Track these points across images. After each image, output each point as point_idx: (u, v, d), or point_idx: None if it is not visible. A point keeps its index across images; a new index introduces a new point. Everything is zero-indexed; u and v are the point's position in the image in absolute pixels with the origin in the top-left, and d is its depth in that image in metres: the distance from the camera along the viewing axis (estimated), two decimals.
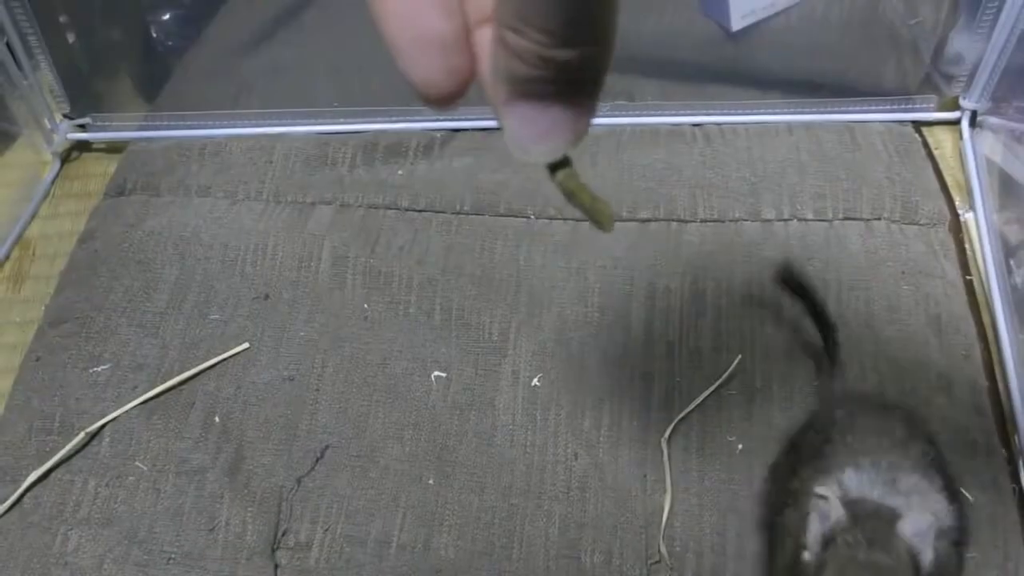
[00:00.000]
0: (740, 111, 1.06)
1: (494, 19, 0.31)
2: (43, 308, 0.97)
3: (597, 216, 0.39)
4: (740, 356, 0.85)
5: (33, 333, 0.94)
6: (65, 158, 1.14)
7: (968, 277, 0.91)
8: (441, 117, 1.08)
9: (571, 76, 0.32)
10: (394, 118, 1.09)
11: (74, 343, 0.92)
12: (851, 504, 0.59)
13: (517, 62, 0.31)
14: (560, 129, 0.34)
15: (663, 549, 0.76)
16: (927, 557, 0.57)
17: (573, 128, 0.34)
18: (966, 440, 0.79)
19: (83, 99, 1.12)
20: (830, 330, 0.79)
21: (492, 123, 1.07)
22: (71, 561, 0.78)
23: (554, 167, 0.37)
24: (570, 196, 0.38)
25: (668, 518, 0.77)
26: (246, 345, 0.90)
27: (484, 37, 0.34)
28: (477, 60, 0.34)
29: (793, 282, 0.80)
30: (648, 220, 0.97)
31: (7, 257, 1.04)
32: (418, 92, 0.34)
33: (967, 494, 0.75)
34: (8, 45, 1.04)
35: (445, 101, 0.34)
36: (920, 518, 0.58)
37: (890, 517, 0.58)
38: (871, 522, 0.58)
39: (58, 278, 0.99)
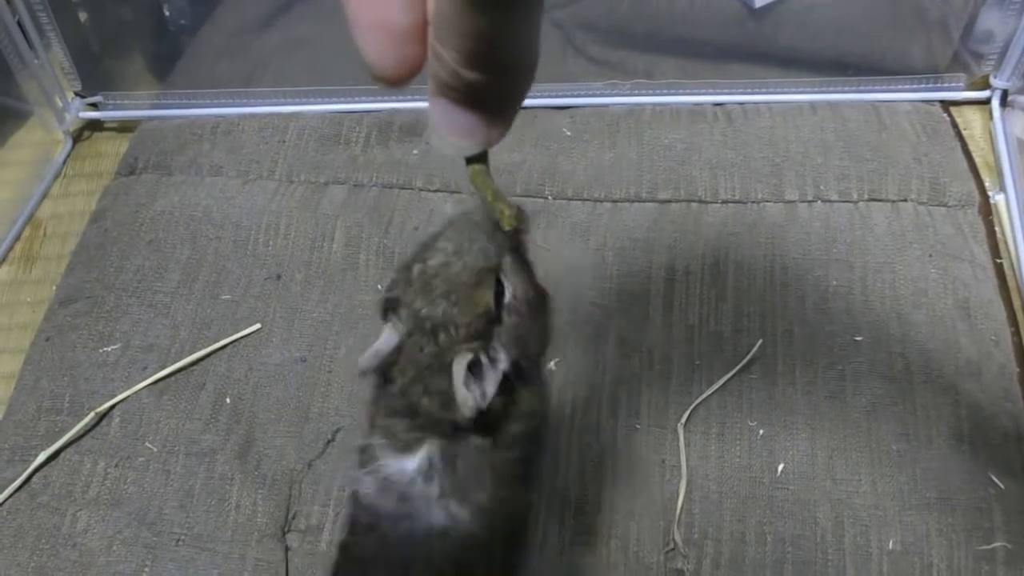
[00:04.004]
0: (763, 90, 1.04)
1: (430, 26, 0.37)
2: (54, 288, 0.96)
3: (494, 213, 0.47)
4: (761, 340, 0.83)
5: (44, 313, 0.94)
6: (77, 137, 1.13)
7: (998, 260, 0.89)
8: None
9: (479, 93, 0.38)
10: (410, 97, 1.07)
11: (84, 323, 0.91)
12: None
13: (439, 67, 0.37)
14: (471, 131, 0.40)
15: (677, 536, 0.74)
16: None
17: (484, 134, 0.40)
18: (995, 427, 0.77)
19: (95, 77, 1.11)
20: None
21: None
22: (80, 542, 0.77)
23: (469, 160, 0.43)
24: (477, 189, 0.45)
25: (687, 504, 0.76)
26: (258, 326, 0.89)
27: None
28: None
29: None
30: (668, 201, 0.95)
31: (18, 237, 1.04)
32: (369, 70, 0.39)
33: (998, 481, 0.73)
34: (19, 23, 1.03)
35: (393, 83, 0.39)
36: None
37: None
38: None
39: (69, 258, 0.98)
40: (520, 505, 0.59)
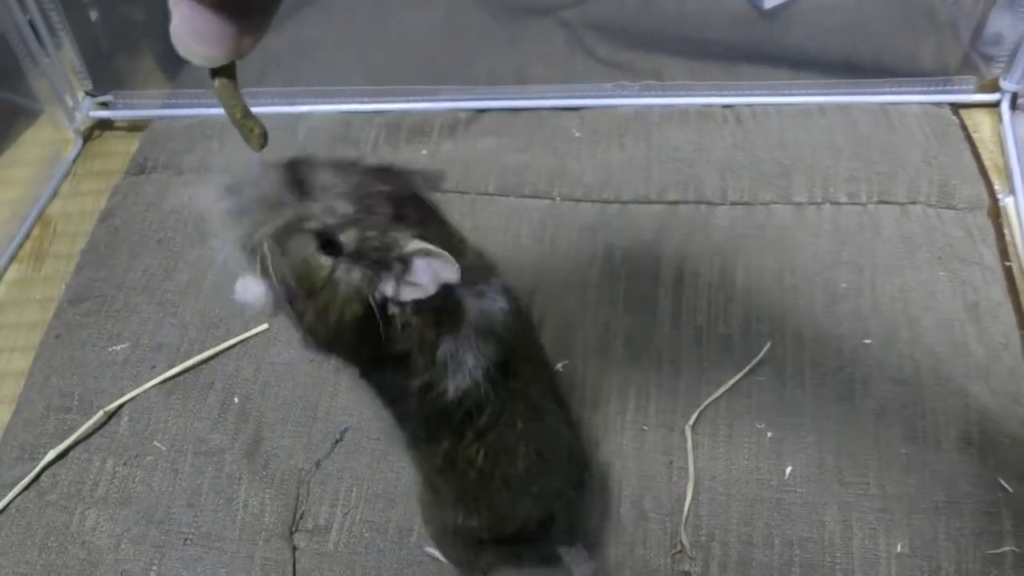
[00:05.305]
0: (772, 92, 1.04)
1: None
2: (63, 286, 0.96)
3: (244, 133, 0.42)
4: (770, 343, 0.83)
5: (53, 311, 0.94)
6: (87, 136, 1.13)
7: (1007, 263, 0.88)
8: (465, 97, 1.07)
9: None
10: (418, 98, 1.07)
11: (94, 322, 0.91)
12: None
13: None
14: (218, 39, 0.36)
15: (684, 538, 0.74)
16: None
17: (232, 43, 0.36)
18: (1004, 430, 0.77)
19: (105, 76, 1.11)
20: None
21: (517, 103, 1.06)
22: (88, 540, 0.78)
23: (215, 72, 0.39)
24: (223, 105, 0.41)
25: (694, 506, 0.76)
26: (266, 326, 0.89)
27: None
28: None
29: None
30: (677, 203, 0.95)
31: (28, 235, 1.04)
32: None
33: (1007, 485, 0.73)
34: (31, 22, 1.03)
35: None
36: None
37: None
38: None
39: (78, 256, 0.98)
40: None
